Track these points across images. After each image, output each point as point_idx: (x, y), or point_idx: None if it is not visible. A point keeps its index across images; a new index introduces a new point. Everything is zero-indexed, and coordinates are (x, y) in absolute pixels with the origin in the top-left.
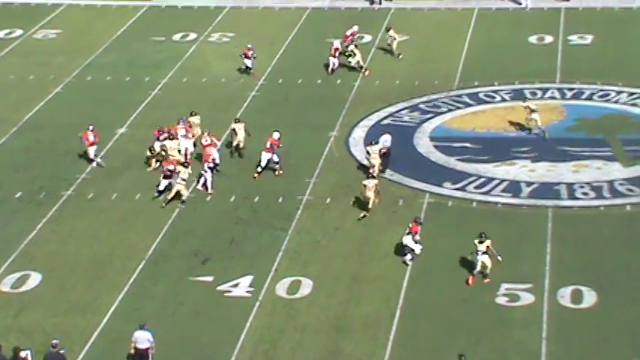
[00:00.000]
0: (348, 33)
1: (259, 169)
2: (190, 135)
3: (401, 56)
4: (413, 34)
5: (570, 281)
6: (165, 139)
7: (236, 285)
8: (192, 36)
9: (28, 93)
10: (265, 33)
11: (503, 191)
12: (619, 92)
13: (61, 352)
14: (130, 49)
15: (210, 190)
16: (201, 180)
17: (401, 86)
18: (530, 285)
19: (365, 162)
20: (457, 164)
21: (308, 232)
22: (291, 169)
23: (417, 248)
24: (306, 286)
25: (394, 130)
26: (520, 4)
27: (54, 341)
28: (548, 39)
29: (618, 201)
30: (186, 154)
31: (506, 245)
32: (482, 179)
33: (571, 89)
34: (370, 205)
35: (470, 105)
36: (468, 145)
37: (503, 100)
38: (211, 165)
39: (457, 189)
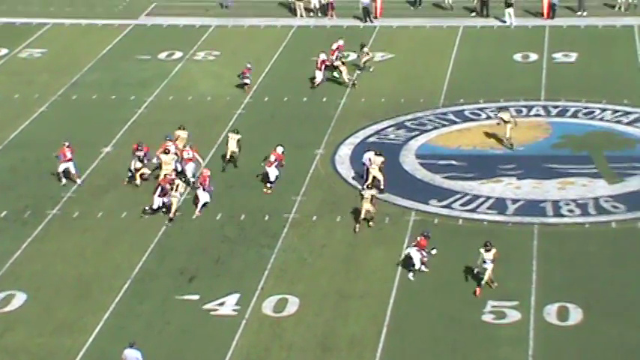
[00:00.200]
0: (334, 47)
1: (269, 185)
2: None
3: (372, 69)
4: (398, 51)
5: (556, 298)
6: (143, 155)
7: (222, 303)
8: (178, 54)
9: (13, 112)
10: (251, 51)
11: (489, 209)
12: (603, 109)
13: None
14: (115, 68)
15: (198, 212)
16: (199, 203)
17: (387, 104)
18: (516, 302)
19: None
20: (443, 182)
21: (294, 250)
22: (277, 187)
23: (418, 263)
24: (293, 304)
25: (379, 148)
26: (505, 22)
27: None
28: (533, 57)
29: (604, 218)
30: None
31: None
32: (468, 197)
33: (556, 107)
34: (363, 215)
35: (455, 122)
36: (453, 162)
37: (489, 117)
38: (207, 187)
39: (443, 206)
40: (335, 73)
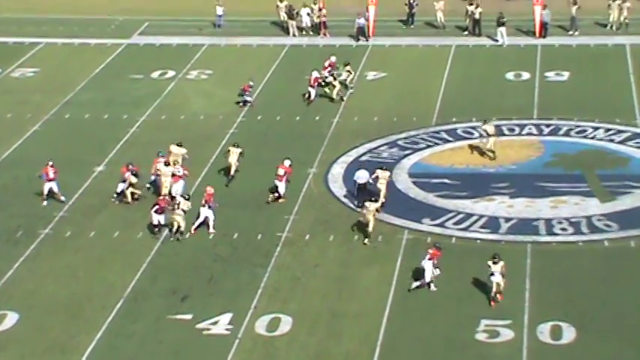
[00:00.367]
0: (326, 64)
1: (276, 195)
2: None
3: (352, 91)
4: (391, 70)
5: (550, 317)
6: (135, 174)
7: (215, 323)
8: (171, 73)
9: (5, 131)
10: (244, 70)
11: (482, 227)
12: (596, 128)
13: None
14: (108, 87)
15: (211, 230)
16: (210, 222)
17: (379, 122)
18: (509, 321)
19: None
20: (436, 200)
21: (287, 269)
22: (269, 206)
23: (429, 276)
24: (286, 324)
25: (373, 166)
26: (497, 41)
27: None
28: (525, 75)
29: (596, 236)
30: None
31: (485, 281)
32: (461, 215)
33: (548, 125)
34: (370, 229)
35: (448, 141)
36: (446, 181)
37: (481, 136)
38: (212, 205)
39: (436, 225)
40: (327, 89)
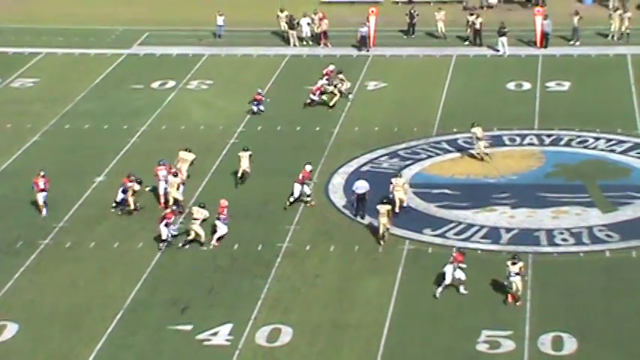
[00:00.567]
0: (324, 72)
1: (292, 200)
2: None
3: (350, 96)
4: (392, 80)
5: (551, 328)
6: (139, 182)
7: (215, 333)
8: (171, 83)
9: (5, 141)
10: (244, 80)
11: (483, 238)
12: (597, 138)
13: None
14: (108, 97)
15: (214, 242)
16: (217, 234)
17: (380, 133)
18: (510, 332)
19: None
20: (437, 211)
21: (288, 280)
22: (270, 217)
23: (448, 279)
24: (286, 334)
25: (373, 177)
26: (498, 51)
27: None
28: (526, 85)
29: (597, 247)
30: (166, 198)
31: (486, 292)
32: (462, 226)
33: (549, 135)
34: (382, 231)
35: (449, 151)
36: (447, 191)
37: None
38: (221, 217)
39: (437, 235)
40: (325, 97)
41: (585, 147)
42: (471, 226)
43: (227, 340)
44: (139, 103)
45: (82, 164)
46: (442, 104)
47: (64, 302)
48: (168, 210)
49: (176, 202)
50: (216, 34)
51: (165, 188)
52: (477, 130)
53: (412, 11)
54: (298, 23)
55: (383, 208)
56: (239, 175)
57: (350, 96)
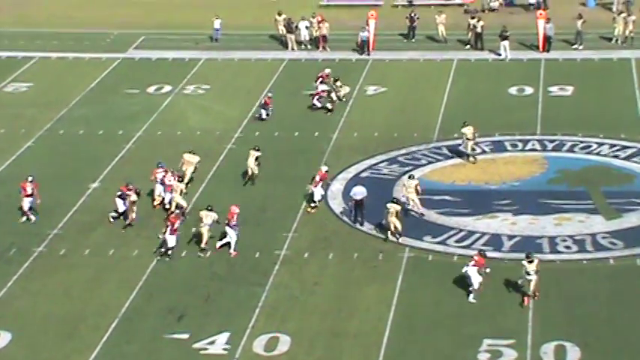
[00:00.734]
0: (319, 76)
1: (313, 205)
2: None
3: (344, 99)
4: (391, 85)
5: (553, 337)
6: (137, 193)
7: (212, 342)
8: (167, 88)
9: None
10: (241, 85)
11: (484, 245)
12: (600, 144)
13: None
14: (103, 102)
15: (231, 251)
16: (232, 242)
17: (379, 138)
18: (512, 340)
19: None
20: (437, 217)
21: (286, 288)
22: (268, 223)
23: (477, 282)
24: (284, 343)
25: (373, 183)
26: (500, 55)
27: None
28: (529, 90)
29: (601, 254)
30: (162, 200)
31: (487, 300)
32: (463, 233)
33: (552, 141)
34: (393, 228)
35: (450, 157)
36: (448, 198)
37: (484, 152)
38: (231, 223)
39: (438, 243)
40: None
41: (588, 153)
42: (472, 233)
43: (224, 349)
44: (135, 108)
45: (76, 170)
46: (443, 109)
47: (58, 310)
48: (172, 214)
49: (178, 207)
50: (213, 38)
51: (163, 191)
52: (468, 131)
53: (412, 14)
54: (297, 27)
55: (392, 208)
56: (248, 174)
57: (344, 99)
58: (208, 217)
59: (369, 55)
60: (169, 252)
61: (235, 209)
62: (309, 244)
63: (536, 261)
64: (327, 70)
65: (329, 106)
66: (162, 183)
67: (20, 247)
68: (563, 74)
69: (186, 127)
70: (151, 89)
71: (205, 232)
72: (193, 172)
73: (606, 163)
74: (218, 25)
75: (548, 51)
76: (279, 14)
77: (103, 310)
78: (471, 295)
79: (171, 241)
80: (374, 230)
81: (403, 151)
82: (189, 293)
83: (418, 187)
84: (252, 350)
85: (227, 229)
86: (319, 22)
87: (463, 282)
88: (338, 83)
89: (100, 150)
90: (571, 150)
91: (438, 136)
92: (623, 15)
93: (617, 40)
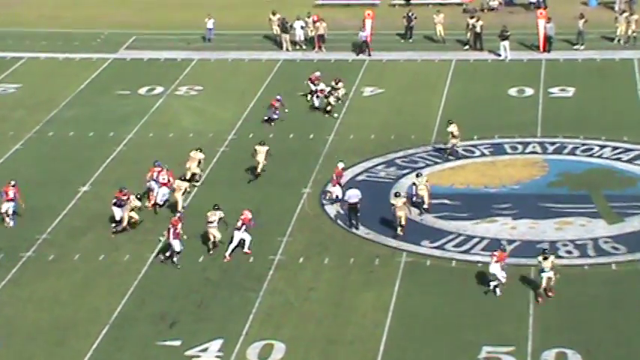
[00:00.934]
0: (309, 78)
1: (336, 198)
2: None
3: (340, 101)
4: (388, 86)
5: (554, 344)
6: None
7: (205, 349)
8: (159, 89)
9: None
10: (235, 86)
11: (483, 250)
12: (602, 146)
13: None
14: (93, 104)
15: (246, 250)
16: (246, 242)
17: (376, 140)
18: (512, 348)
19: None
20: (435, 222)
21: (280, 294)
22: (262, 228)
23: (502, 277)
24: (279, 351)
25: (370, 186)
26: (499, 55)
27: None
28: (529, 91)
29: (603, 259)
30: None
31: (487, 306)
32: (462, 237)
33: (553, 143)
34: (403, 222)
35: (448, 160)
36: (446, 201)
37: (483, 154)
38: (246, 227)
39: (436, 247)
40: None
41: (590, 155)
42: (471, 237)
43: (217, 357)
44: (126, 109)
45: (66, 173)
46: (441, 111)
47: (47, 317)
48: (175, 217)
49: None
50: (205, 38)
51: (158, 187)
52: (454, 129)
53: (410, 14)
54: (291, 26)
55: (399, 202)
56: (257, 170)
57: (339, 101)
58: (215, 216)
59: (369, 55)
60: (175, 257)
61: (248, 214)
62: (304, 249)
63: (551, 258)
64: (317, 73)
65: (328, 108)
66: (156, 181)
67: (8, 253)
68: (564, 75)
69: (179, 130)
70: (143, 90)
71: (214, 231)
72: (202, 171)
73: (608, 166)
74: (211, 25)
75: (548, 51)
76: (274, 14)
77: (93, 316)
78: (498, 290)
79: (177, 245)
80: (370, 234)
81: (400, 154)
82: (181, 299)
83: (427, 184)
84: (246, 358)
85: (236, 233)
86: (315, 22)
87: (462, 287)
88: (340, 84)
89: (90, 153)
90: (572, 153)
91: (436, 138)
92: (626, 14)
93: (619, 40)
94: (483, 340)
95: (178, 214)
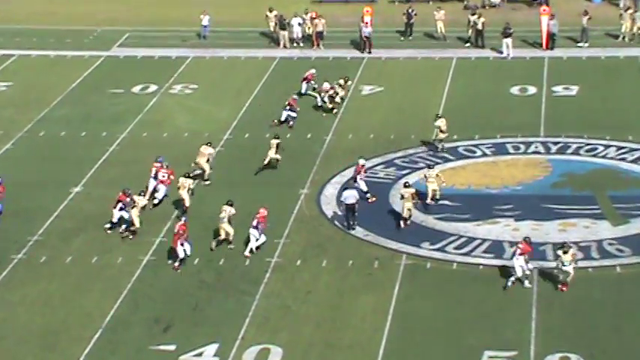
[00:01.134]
0: (304, 77)
1: (368, 195)
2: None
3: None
4: (388, 84)
5: (557, 348)
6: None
7: (200, 354)
8: (153, 88)
9: None
10: (231, 84)
11: (485, 252)
12: (607, 146)
13: None
14: (86, 102)
15: (253, 250)
16: (258, 242)
17: (375, 140)
18: (514, 352)
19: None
20: (436, 223)
21: (277, 297)
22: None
23: (520, 271)
24: (276, 355)
25: (369, 187)
26: (501, 52)
27: None
28: (532, 90)
29: (608, 262)
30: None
31: (488, 310)
32: (463, 239)
33: (556, 143)
34: (406, 215)
35: (449, 160)
36: (447, 202)
37: (485, 154)
38: (259, 225)
39: (436, 249)
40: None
41: (594, 155)
42: (473, 239)
43: None
44: (119, 108)
45: (57, 174)
46: (442, 110)
47: (38, 321)
48: (181, 222)
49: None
50: (201, 35)
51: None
52: (442, 123)
53: (410, 10)
54: (289, 23)
55: (407, 192)
56: (265, 162)
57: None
58: (224, 212)
59: (370, 52)
60: (183, 261)
61: (264, 212)
62: (302, 251)
63: (571, 251)
64: (312, 70)
65: (331, 105)
66: (156, 177)
67: None
68: (567, 73)
69: (173, 129)
70: (136, 89)
71: (226, 227)
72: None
73: (613, 167)
74: (206, 22)
75: (552, 49)
76: (271, 10)
77: (85, 320)
78: (526, 281)
79: (188, 248)
80: (369, 236)
81: (400, 154)
82: (175, 302)
83: (440, 174)
84: None
85: (252, 231)
86: (313, 19)
87: (463, 290)
88: (349, 83)
89: (82, 152)
90: (576, 152)
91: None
92: (631, 11)
93: (624, 38)
94: (485, 345)
95: (184, 219)
